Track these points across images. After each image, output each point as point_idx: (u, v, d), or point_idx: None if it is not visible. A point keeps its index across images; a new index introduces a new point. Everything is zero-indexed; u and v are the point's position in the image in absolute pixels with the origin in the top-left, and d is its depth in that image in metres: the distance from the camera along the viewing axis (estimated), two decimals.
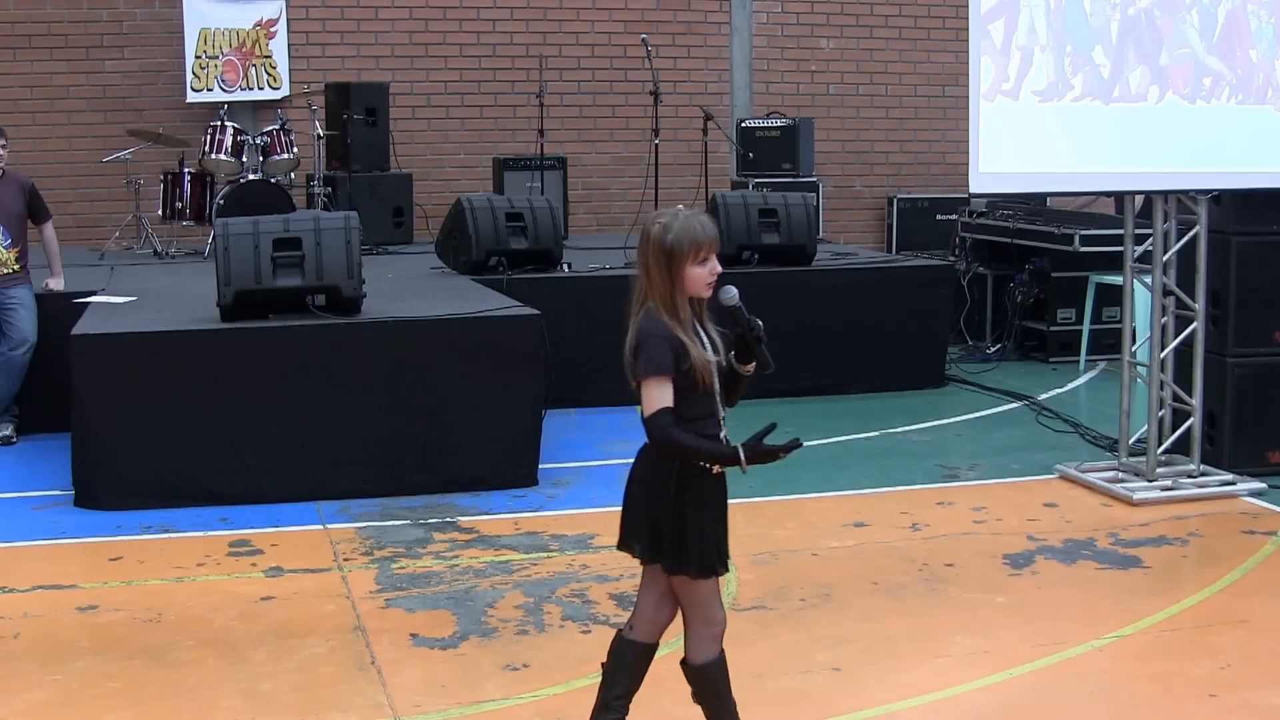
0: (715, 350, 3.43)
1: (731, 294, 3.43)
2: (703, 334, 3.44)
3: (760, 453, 3.38)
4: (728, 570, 3.58)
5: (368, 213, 9.77)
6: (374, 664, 4.55)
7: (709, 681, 3.65)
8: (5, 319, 7.61)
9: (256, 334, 6.66)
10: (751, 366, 3.47)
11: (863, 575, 5.43)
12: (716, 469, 3.46)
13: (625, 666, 3.66)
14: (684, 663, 3.62)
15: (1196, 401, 6.69)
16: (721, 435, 3.48)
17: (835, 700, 4.23)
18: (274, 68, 11.62)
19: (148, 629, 4.89)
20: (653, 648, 3.67)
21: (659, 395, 3.35)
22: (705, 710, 3.66)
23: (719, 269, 3.42)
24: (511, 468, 6.81)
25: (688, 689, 4.31)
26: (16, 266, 7.67)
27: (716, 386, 3.44)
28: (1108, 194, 8.05)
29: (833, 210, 12.55)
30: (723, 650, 3.62)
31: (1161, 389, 6.75)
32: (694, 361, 3.36)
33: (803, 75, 12.80)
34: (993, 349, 10.39)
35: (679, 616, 3.63)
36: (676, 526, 3.46)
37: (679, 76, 12.23)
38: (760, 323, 3.42)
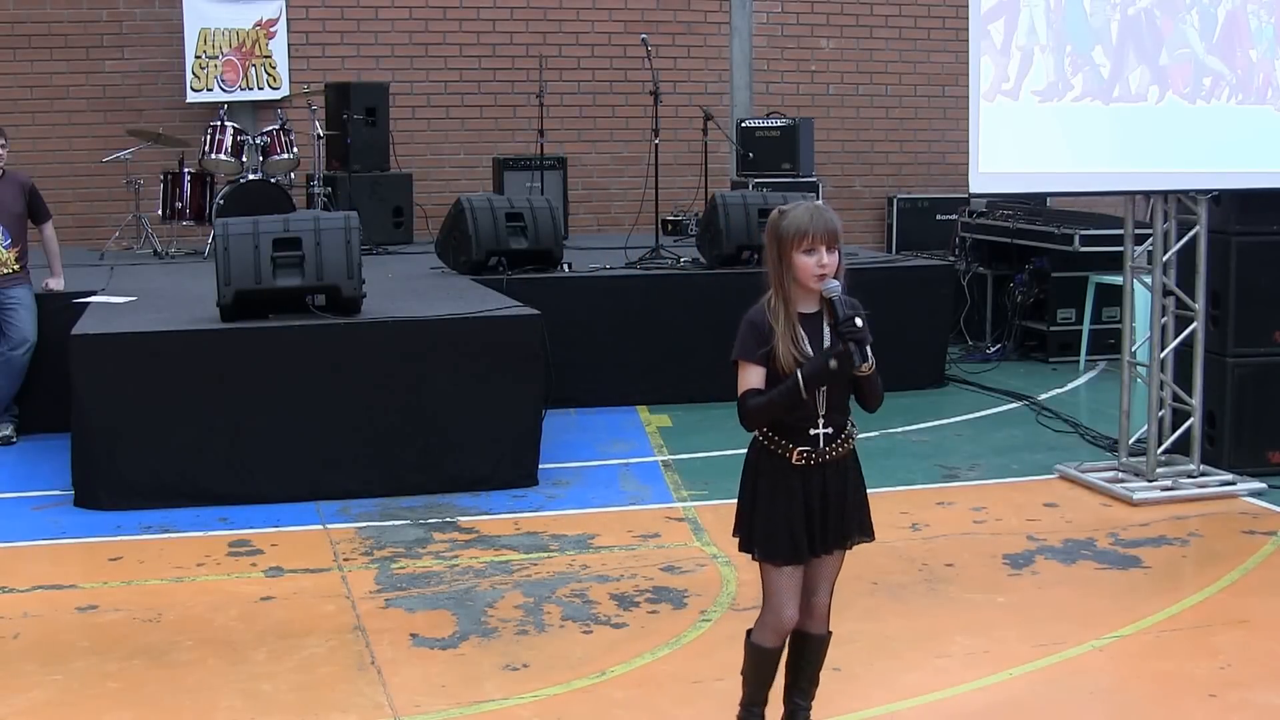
0: (839, 351, 3.44)
1: (830, 287, 3.46)
2: (824, 330, 3.48)
3: (815, 377, 3.43)
4: (801, 562, 3.59)
5: (368, 213, 9.78)
6: (374, 664, 4.55)
7: (753, 657, 3.74)
8: (5, 319, 7.61)
9: (256, 334, 6.66)
10: (865, 367, 3.48)
11: (863, 575, 5.43)
12: (797, 459, 3.51)
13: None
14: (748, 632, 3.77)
15: (1196, 401, 6.69)
16: (817, 432, 3.52)
17: (835, 700, 4.23)
18: (274, 68, 11.63)
19: (147, 629, 4.89)
20: (802, 635, 3.76)
21: (743, 378, 3.50)
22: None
23: (829, 263, 3.45)
24: (511, 468, 6.81)
25: (687, 689, 4.32)
26: (16, 266, 7.67)
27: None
28: (1107, 194, 8.04)
29: (833, 210, 12.53)
30: (782, 646, 3.72)
31: (1161, 389, 6.75)
32: (777, 350, 3.44)
33: (803, 75, 12.80)
34: (993, 349, 10.39)
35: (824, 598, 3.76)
36: (749, 509, 3.60)
37: (679, 76, 12.23)
38: (860, 322, 3.43)
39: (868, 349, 3.46)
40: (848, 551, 3.71)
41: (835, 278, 3.49)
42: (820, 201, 3.57)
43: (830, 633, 3.78)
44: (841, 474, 3.62)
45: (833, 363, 3.42)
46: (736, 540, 3.68)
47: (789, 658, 3.79)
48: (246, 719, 4.14)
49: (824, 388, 3.49)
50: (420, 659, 4.60)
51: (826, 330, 3.50)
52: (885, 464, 7.22)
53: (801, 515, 3.56)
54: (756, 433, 3.60)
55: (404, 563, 5.63)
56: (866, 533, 3.71)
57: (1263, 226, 6.86)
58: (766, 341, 3.46)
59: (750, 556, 3.64)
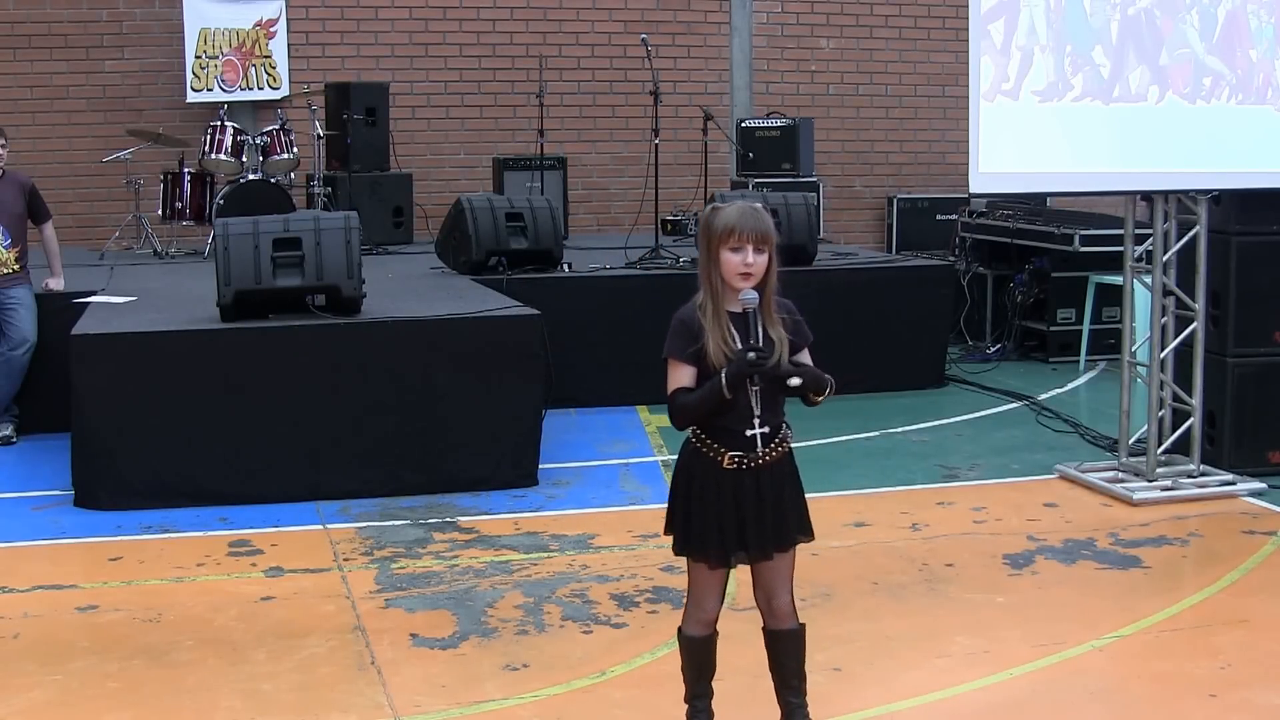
0: (757, 347, 3.42)
1: (747, 297, 3.45)
2: (760, 329, 3.46)
3: (737, 375, 3.41)
4: (729, 565, 3.65)
5: (368, 213, 9.78)
6: (374, 664, 4.55)
7: (684, 649, 3.79)
8: (5, 319, 7.61)
9: (256, 334, 6.66)
10: (792, 383, 3.48)
11: (863, 575, 5.43)
12: (729, 463, 3.51)
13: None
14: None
15: (1196, 401, 6.69)
16: (753, 433, 3.50)
17: (835, 700, 4.23)
18: (274, 68, 11.63)
19: (147, 629, 4.89)
20: (772, 634, 3.80)
21: (672, 376, 3.50)
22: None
23: (754, 263, 3.43)
24: (511, 468, 6.81)
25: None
26: (16, 266, 7.67)
27: (748, 384, 3.45)
28: (1107, 194, 8.04)
29: (833, 210, 12.55)
30: (711, 635, 3.76)
31: (1161, 389, 6.75)
32: (707, 348, 3.43)
33: (803, 75, 12.80)
34: (993, 349, 10.39)
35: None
36: (682, 511, 3.62)
37: (679, 76, 12.23)
38: (758, 354, 3.39)
39: (828, 378, 3.49)
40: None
41: (765, 282, 3.47)
42: (760, 205, 3.52)
43: (802, 625, 3.77)
44: (778, 475, 3.59)
45: (750, 355, 3.39)
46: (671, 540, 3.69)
47: (769, 660, 3.80)
48: (246, 719, 4.14)
49: (757, 389, 3.47)
50: (420, 659, 4.60)
51: (760, 329, 3.48)
52: (885, 464, 7.22)
53: (734, 518, 3.55)
54: (689, 434, 3.59)
55: (404, 563, 5.63)
56: (806, 532, 3.70)
57: (1263, 226, 6.86)
58: (696, 339, 3.46)
59: (677, 553, 3.67)
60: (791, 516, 3.64)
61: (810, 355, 3.65)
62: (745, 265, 3.42)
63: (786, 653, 3.78)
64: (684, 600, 3.77)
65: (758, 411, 3.49)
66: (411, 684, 4.38)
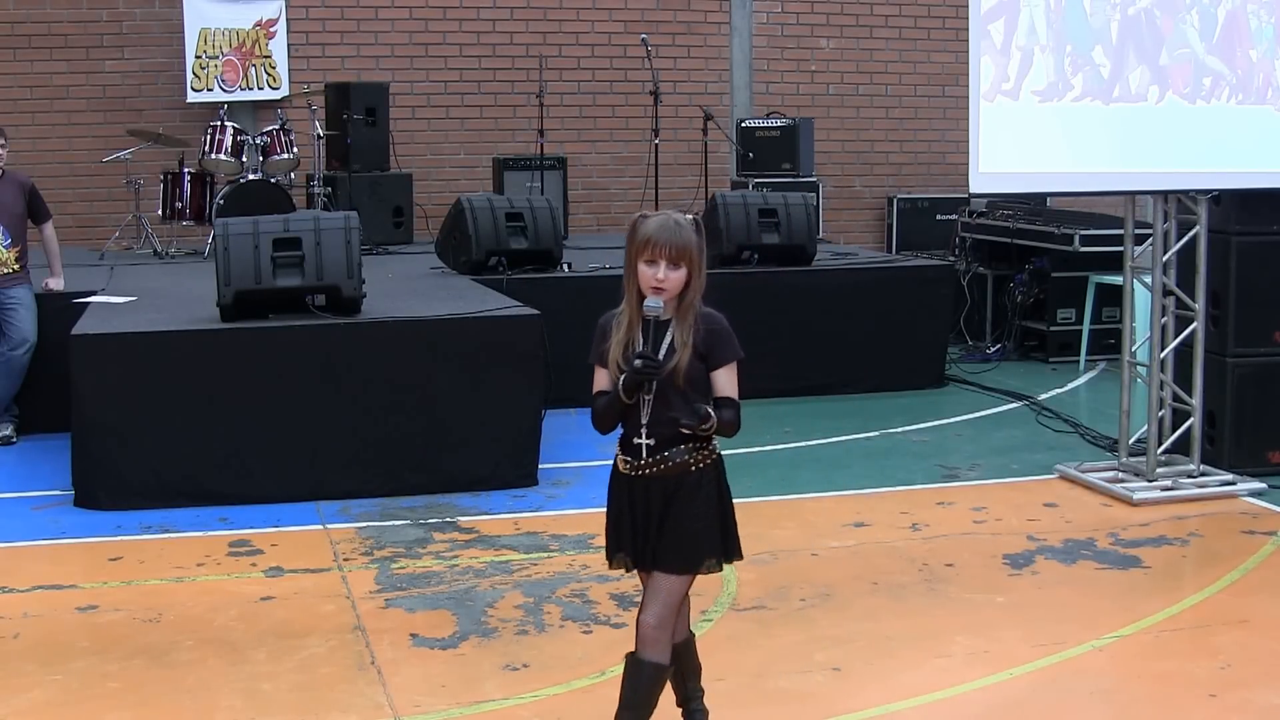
0: (646, 355, 3.35)
1: (650, 306, 3.38)
2: (671, 335, 3.40)
3: (627, 382, 3.39)
4: (625, 567, 3.61)
5: (368, 213, 9.78)
6: (374, 664, 4.55)
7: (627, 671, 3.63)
8: (5, 319, 7.61)
9: (256, 334, 6.66)
10: (684, 425, 3.40)
11: (863, 575, 5.43)
12: (622, 466, 3.52)
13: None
14: None
15: (1196, 401, 6.69)
16: (640, 442, 3.45)
17: (835, 700, 4.23)
18: (274, 68, 11.63)
19: (148, 629, 4.89)
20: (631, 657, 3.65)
21: (595, 380, 3.52)
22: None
23: (667, 279, 3.35)
24: (511, 468, 6.81)
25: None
26: (16, 266, 7.67)
27: (643, 392, 3.40)
28: (1107, 194, 8.05)
29: (833, 210, 12.55)
30: (645, 655, 3.56)
31: (1161, 389, 6.75)
32: (607, 355, 3.44)
33: (803, 75, 12.80)
34: (993, 349, 10.39)
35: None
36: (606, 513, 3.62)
37: (679, 76, 12.23)
38: (645, 361, 3.33)
39: (705, 411, 3.36)
40: (706, 574, 3.56)
41: (685, 295, 3.40)
42: (686, 218, 3.45)
43: (663, 661, 3.53)
44: (670, 493, 3.46)
45: (636, 363, 3.35)
46: None
47: (622, 679, 3.65)
48: (246, 719, 4.14)
49: (649, 397, 3.41)
50: (420, 659, 4.60)
51: (667, 339, 3.40)
52: (885, 464, 7.22)
53: (628, 523, 3.53)
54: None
55: (404, 563, 5.63)
56: (718, 554, 3.53)
57: (1263, 226, 6.86)
58: (606, 344, 3.46)
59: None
60: (671, 539, 3.47)
61: (733, 373, 3.47)
62: (657, 280, 3.36)
63: (637, 685, 3.55)
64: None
65: (644, 421, 3.43)
66: (411, 684, 4.38)
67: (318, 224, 6.85)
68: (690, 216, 3.48)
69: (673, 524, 3.48)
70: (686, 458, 3.46)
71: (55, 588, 5.33)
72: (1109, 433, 7.59)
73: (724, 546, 3.56)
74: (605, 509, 3.63)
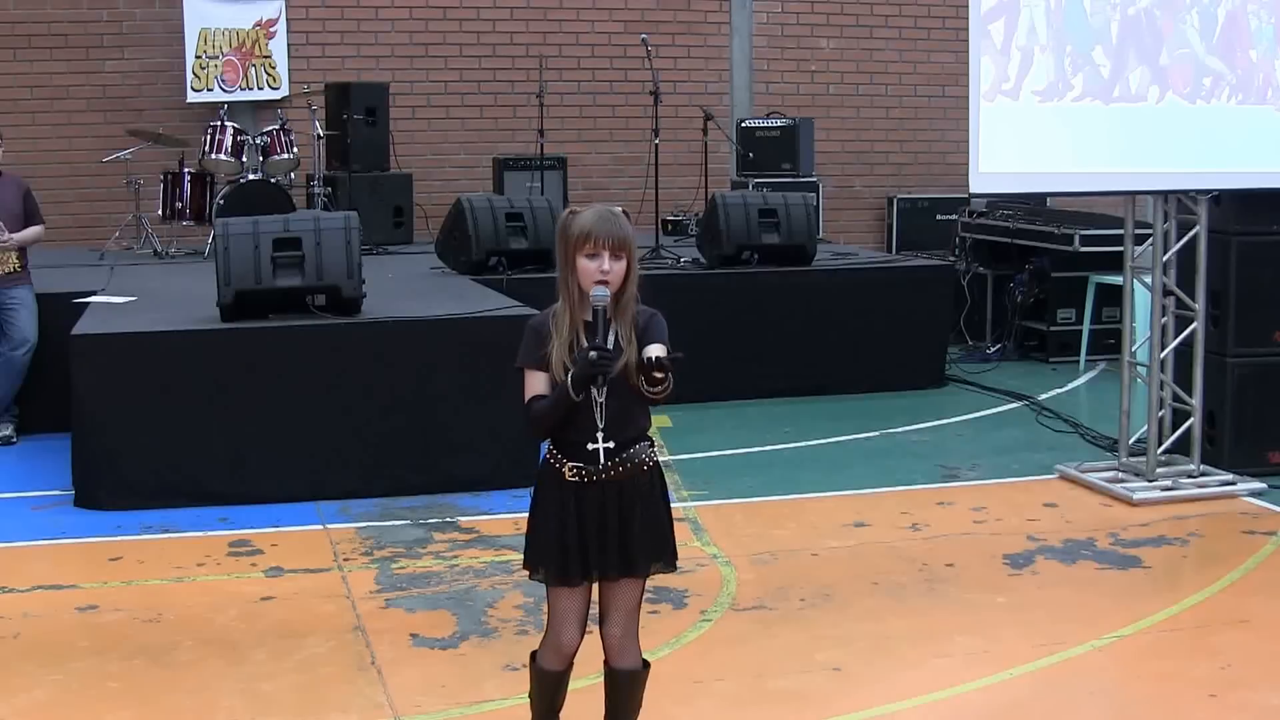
0: (601, 346, 3.29)
1: (598, 295, 3.32)
2: (614, 334, 3.34)
3: (580, 377, 3.27)
4: (572, 584, 3.45)
5: (368, 213, 9.76)
6: (374, 664, 4.55)
7: (535, 678, 3.61)
8: (5, 319, 7.61)
9: (256, 334, 6.66)
10: (642, 383, 3.30)
11: (863, 575, 5.43)
12: (570, 474, 3.38)
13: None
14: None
15: (1196, 401, 6.69)
16: (595, 447, 3.36)
17: (835, 700, 4.23)
18: (274, 68, 11.63)
19: (148, 629, 4.89)
20: (608, 669, 3.59)
21: (527, 385, 3.40)
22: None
23: (611, 270, 3.31)
24: (511, 468, 6.80)
25: (687, 689, 4.32)
26: (17, 266, 7.67)
27: (594, 393, 3.31)
28: (1107, 194, 8.04)
29: (833, 210, 12.55)
30: (565, 671, 3.56)
31: (1161, 389, 6.75)
32: (549, 357, 3.34)
33: (803, 75, 12.80)
34: (993, 349, 10.39)
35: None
36: (530, 526, 3.49)
37: (679, 76, 12.22)
38: (600, 353, 3.26)
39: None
40: (650, 578, 3.50)
41: (624, 289, 3.35)
42: (618, 210, 3.42)
43: (642, 667, 3.54)
44: (629, 495, 3.40)
45: (591, 355, 3.25)
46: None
47: (604, 691, 3.60)
48: (246, 719, 4.14)
49: (602, 401, 3.33)
50: (420, 659, 4.60)
51: (610, 338, 3.32)
52: (885, 464, 7.22)
53: (575, 534, 3.38)
54: (543, 448, 3.48)
55: (404, 563, 5.63)
56: (665, 561, 3.48)
57: (1263, 226, 6.86)
58: (545, 347, 3.35)
59: (529, 576, 3.50)
60: (643, 542, 3.42)
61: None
62: (601, 272, 3.31)
63: (619, 694, 3.54)
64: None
65: (601, 425, 3.34)
66: (411, 684, 4.38)
67: (318, 224, 6.85)
68: (620, 208, 3.44)
69: (636, 527, 3.41)
70: (643, 457, 3.42)
71: (55, 588, 5.33)
72: (1109, 433, 7.59)
73: (672, 547, 3.51)
74: (530, 526, 3.47)
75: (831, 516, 6.27)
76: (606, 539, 3.40)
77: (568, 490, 3.40)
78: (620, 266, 3.34)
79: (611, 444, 3.37)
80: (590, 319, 3.34)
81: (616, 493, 3.39)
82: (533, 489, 3.51)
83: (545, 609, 3.55)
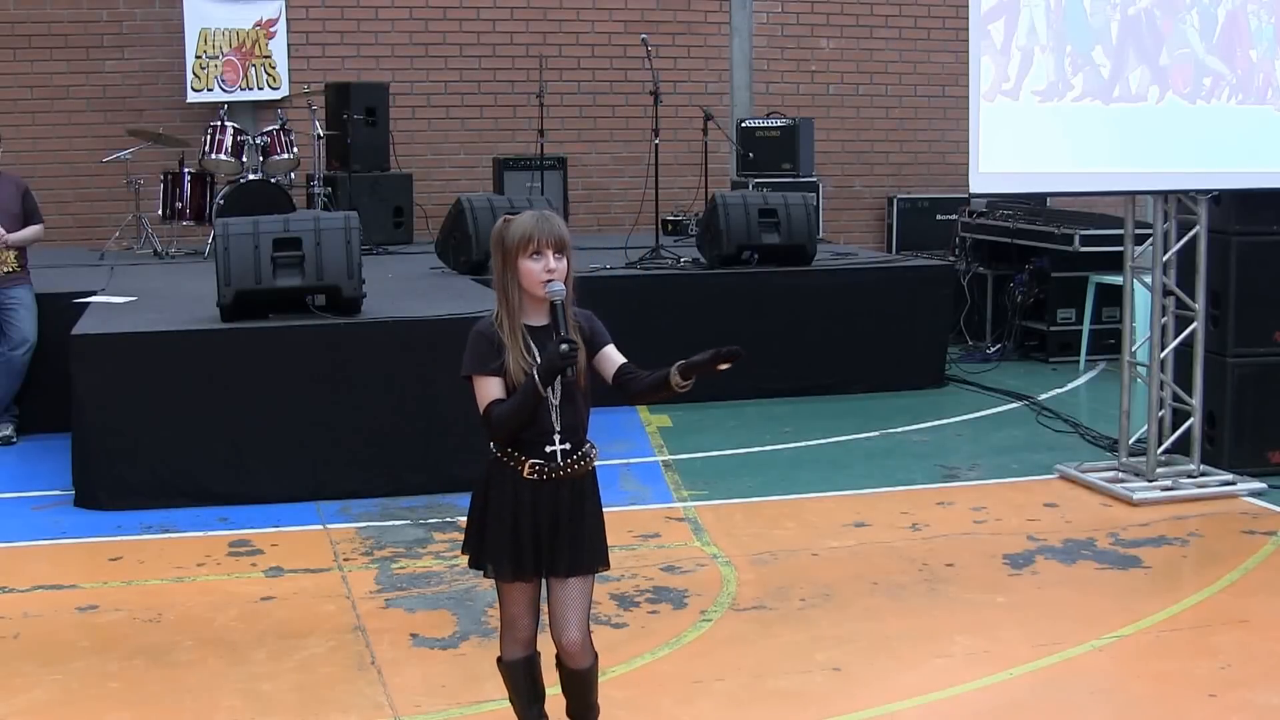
0: (569, 339, 3.34)
1: (554, 289, 3.37)
2: (566, 325, 3.37)
3: (549, 370, 3.33)
4: (526, 579, 3.52)
5: (368, 213, 9.77)
6: (374, 664, 4.55)
7: (506, 676, 3.68)
8: (5, 319, 7.61)
9: (256, 334, 6.66)
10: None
11: (863, 575, 5.43)
12: (529, 472, 3.43)
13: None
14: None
15: (1196, 401, 6.69)
16: (553, 448, 3.43)
17: (835, 700, 4.23)
18: (274, 68, 11.63)
19: (148, 629, 4.89)
20: (561, 667, 3.65)
21: (481, 392, 3.44)
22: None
23: (556, 268, 3.36)
24: None
25: (687, 689, 4.33)
26: (16, 266, 7.67)
27: (549, 396, 3.39)
28: (1107, 194, 8.05)
29: (833, 210, 12.55)
30: (530, 656, 3.65)
31: (1161, 389, 6.75)
32: (507, 364, 3.37)
33: (803, 75, 12.80)
34: (993, 349, 10.39)
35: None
36: (478, 525, 3.54)
37: (679, 76, 12.23)
38: (570, 345, 3.31)
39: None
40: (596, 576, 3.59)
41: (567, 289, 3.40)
42: (551, 211, 3.49)
43: (593, 662, 3.62)
44: (578, 495, 3.49)
45: (563, 347, 3.29)
46: (467, 558, 3.59)
47: (566, 690, 3.67)
48: (246, 719, 4.14)
49: (555, 403, 3.40)
50: (420, 659, 4.60)
51: (566, 323, 3.39)
52: (885, 464, 7.22)
53: (530, 532, 3.45)
54: (492, 448, 3.52)
55: (404, 563, 5.63)
56: (601, 560, 3.58)
57: (1263, 226, 6.86)
58: (498, 354, 3.38)
59: (482, 574, 3.56)
60: (588, 542, 3.53)
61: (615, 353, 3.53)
62: (547, 272, 3.36)
63: (586, 690, 3.66)
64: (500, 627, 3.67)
65: (558, 427, 3.43)
66: (411, 684, 4.38)
67: (318, 224, 6.85)
68: (551, 208, 3.51)
69: (585, 524, 3.51)
70: (591, 456, 3.52)
71: (55, 588, 5.33)
72: (1109, 433, 7.59)
73: (607, 548, 3.62)
74: (479, 525, 3.52)
75: (831, 516, 6.27)
76: (559, 538, 3.48)
77: (525, 489, 3.46)
78: (563, 264, 3.40)
79: (567, 445, 3.46)
80: (543, 321, 3.40)
81: (568, 491, 3.48)
82: (476, 489, 3.57)
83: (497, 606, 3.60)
